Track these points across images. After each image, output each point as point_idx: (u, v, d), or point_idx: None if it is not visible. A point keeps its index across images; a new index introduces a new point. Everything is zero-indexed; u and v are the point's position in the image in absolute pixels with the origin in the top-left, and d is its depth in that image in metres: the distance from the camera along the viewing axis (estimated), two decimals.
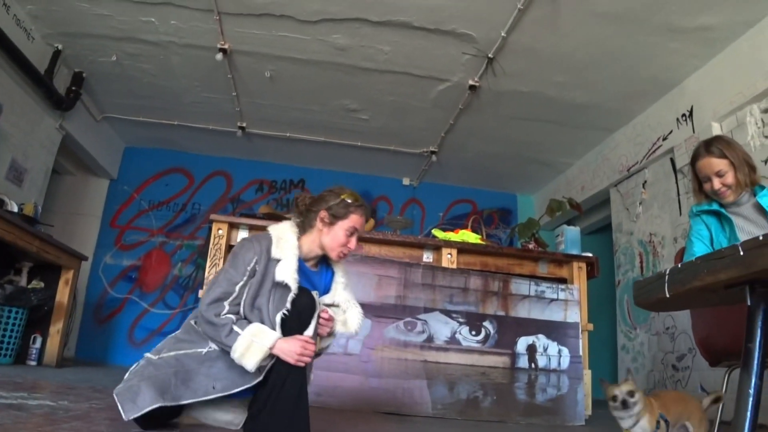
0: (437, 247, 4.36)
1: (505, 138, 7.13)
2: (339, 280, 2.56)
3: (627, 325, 6.31)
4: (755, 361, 1.00)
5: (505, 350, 4.18)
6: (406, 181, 8.57)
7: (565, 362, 4.23)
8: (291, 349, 2.11)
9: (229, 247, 4.09)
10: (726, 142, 2.54)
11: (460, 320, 4.15)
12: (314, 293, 2.28)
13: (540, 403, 4.13)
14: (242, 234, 4.15)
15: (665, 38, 4.98)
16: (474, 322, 4.17)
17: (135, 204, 8.13)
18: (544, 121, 6.60)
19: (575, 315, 4.31)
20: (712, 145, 2.52)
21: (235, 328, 2.09)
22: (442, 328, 4.12)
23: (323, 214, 2.39)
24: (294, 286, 2.19)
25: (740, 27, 4.79)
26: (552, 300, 4.30)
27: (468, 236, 4.48)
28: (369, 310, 4.02)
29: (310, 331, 2.21)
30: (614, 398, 2.02)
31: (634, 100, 6.05)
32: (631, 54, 5.24)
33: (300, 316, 2.20)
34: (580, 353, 4.26)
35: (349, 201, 2.43)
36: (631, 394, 1.99)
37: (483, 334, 4.17)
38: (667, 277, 1.15)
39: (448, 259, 4.29)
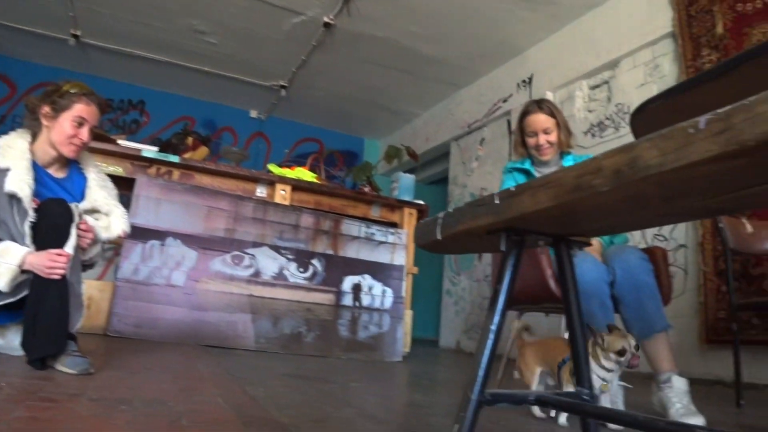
0: (271, 182, 4.31)
1: (356, 81, 7.12)
2: (92, 181, 2.40)
3: (452, 271, 6.71)
4: (500, 302, 1.09)
5: (331, 288, 4.28)
6: (253, 114, 8.30)
7: (389, 302, 4.42)
8: (41, 263, 2.01)
9: None
10: (554, 104, 2.71)
11: (289, 257, 4.17)
12: (72, 205, 2.15)
13: (362, 339, 4.30)
14: None
15: (518, 6, 5.19)
16: (302, 259, 4.21)
17: None
18: (396, 69, 6.66)
19: (401, 258, 4.49)
20: (543, 104, 2.67)
21: None
22: (270, 263, 4.12)
23: (45, 109, 2.22)
24: (24, 194, 2.07)
25: (583, 8, 5.13)
26: (381, 242, 4.44)
27: (304, 174, 4.47)
28: (195, 241, 3.91)
29: (70, 245, 2.10)
30: (621, 352, 1.77)
31: (481, 60, 6.29)
32: (485, 16, 5.41)
33: (56, 229, 2.08)
34: (403, 294, 4.46)
35: (70, 89, 2.25)
36: (637, 348, 1.81)
37: (310, 271, 4.22)
38: (440, 220, 1.21)
39: (282, 195, 4.26)
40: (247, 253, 4.06)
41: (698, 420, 1.87)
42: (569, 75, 5.32)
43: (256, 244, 4.09)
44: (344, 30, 5.88)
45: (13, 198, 2.07)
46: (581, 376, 1.19)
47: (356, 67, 6.73)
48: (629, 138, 3.92)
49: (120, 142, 4.06)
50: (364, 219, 4.55)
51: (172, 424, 1.38)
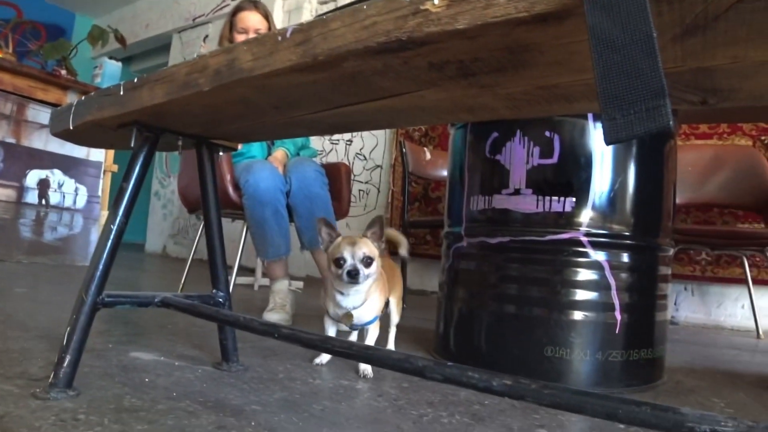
0: None
1: None
2: None
3: (162, 172, 6.39)
4: (124, 201, 1.02)
5: (12, 182, 3.75)
6: None
7: (82, 201, 4.03)
8: None
9: None
10: (268, 9, 2.61)
11: None
12: None
13: (48, 241, 3.88)
14: None
15: None
16: None
17: None
18: None
19: (99, 154, 4.09)
20: (259, 4, 2.56)
21: None
22: None
23: None
24: None
25: None
26: None
27: None
28: None
29: None
30: (339, 263, 1.27)
31: None
32: None
33: None
34: (99, 194, 4.11)
35: None
36: (368, 261, 1.29)
37: None
38: (73, 107, 1.08)
39: None
40: None
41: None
42: None
43: None
44: None
45: None
46: (216, 278, 1.20)
47: None
48: None
49: None
50: (56, 105, 4.01)
51: None
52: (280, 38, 0.68)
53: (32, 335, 1.51)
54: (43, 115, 3.86)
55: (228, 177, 2.12)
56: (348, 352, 0.75)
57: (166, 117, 0.98)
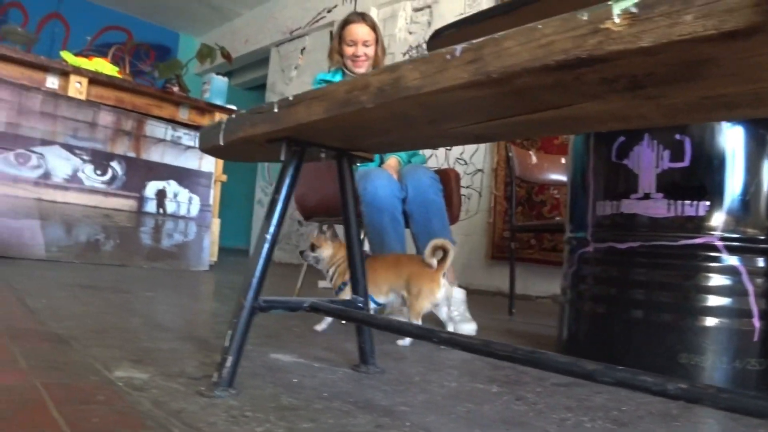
0: (65, 72, 3.84)
1: None
2: None
3: (265, 181, 6.64)
4: (277, 211, 1.08)
5: (133, 193, 4.02)
6: None
7: (195, 210, 4.27)
8: None
9: None
10: (375, 21, 2.70)
11: (85, 158, 3.81)
12: None
13: (165, 248, 4.14)
14: None
15: None
16: (100, 161, 3.88)
17: None
18: None
19: (210, 165, 4.32)
20: (366, 16, 2.65)
21: None
22: (62, 164, 3.74)
23: None
24: None
25: None
26: (188, 147, 4.22)
27: (103, 66, 4.05)
28: None
29: None
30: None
31: None
32: None
33: None
34: (210, 202, 4.33)
35: None
36: (312, 247, 1.98)
37: (109, 174, 3.92)
38: (223, 125, 1.16)
39: (77, 88, 3.84)
40: (35, 152, 3.64)
41: (471, 326, 2.06)
42: None
43: (45, 142, 3.67)
44: None
45: None
46: (357, 284, 1.25)
47: None
48: None
49: None
50: (172, 121, 4.27)
51: None
52: (449, 57, 0.71)
53: (174, 336, 1.63)
54: (158, 130, 4.12)
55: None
56: (512, 356, 0.77)
57: (314, 132, 1.04)
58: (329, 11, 6.05)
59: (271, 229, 1.07)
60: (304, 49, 6.39)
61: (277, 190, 1.09)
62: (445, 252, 1.76)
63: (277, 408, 1.00)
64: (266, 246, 1.07)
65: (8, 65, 3.70)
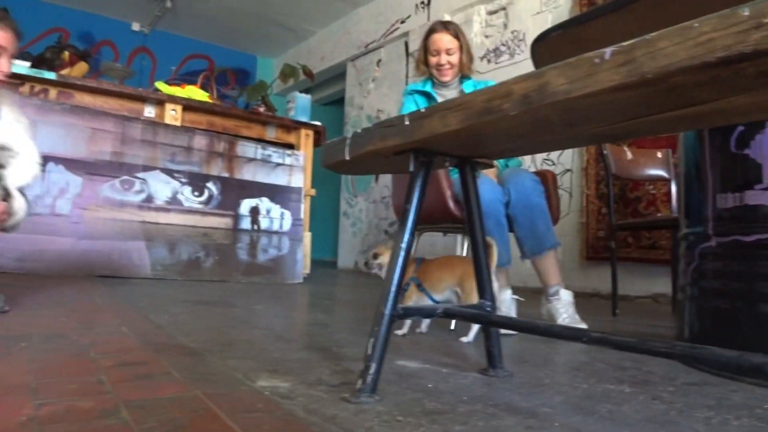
0: (160, 101, 4.07)
1: None
2: (5, 116, 2.17)
3: (349, 193, 6.76)
4: (410, 220, 1.12)
5: (228, 212, 4.20)
6: (135, 27, 7.69)
7: (287, 225, 4.41)
8: None
9: None
10: (460, 28, 2.71)
11: (183, 180, 4.02)
12: None
13: (261, 262, 4.29)
14: None
15: None
16: (197, 182, 4.07)
17: None
18: None
19: (299, 180, 4.46)
20: (449, 25, 2.68)
21: None
22: (162, 187, 3.96)
23: None
24: None
25: None
26: (278, 164, 4.37)
27: (195, 93, 4.26)
28: (80, 166, 3.67)
29: None
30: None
31: None
32: None
33: None
34: (302, 217, 4.46)
35: None
36: (375, 256, 2.10)
37: (206, 195, 4.11)
38: (349, 140, 1.21)
39: (172, 115, 4.05)
40: (138, 178, 3.87)
41: (582, 327, 2.05)
42: None
43: (146, 168, 3.90)
44: None
45: None
46: (483, 289, 1.27)
47: None
48: (525, 64, 4.07)
49: None
50: (260, 140, 4.44)
51: (80, 356, 1.34)
52: (597, 60, 0.72)
53: (298, 347, 1.69)
54: (249, 149, 4.29)
55: (448, 192, 2.22)
56: (669, 352, 0.77)
57: (443, 142, 1.07)
58: (402, 22, 6.12)
59: (406, 238, 1.11)
60: (379, 61, 6.49)
61: (408, 200, 1.13)
62: (489, 248, 1.81)
63: (424, 412, 1.03)
64: (401, 255, 1.10)
65: (110, 98, 3.96)
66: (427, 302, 1.90)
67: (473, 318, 1.18)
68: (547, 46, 1.42)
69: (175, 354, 1.45)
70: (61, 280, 3.21)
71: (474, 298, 1.81)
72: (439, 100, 2.71)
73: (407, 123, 1.04)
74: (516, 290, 2.20)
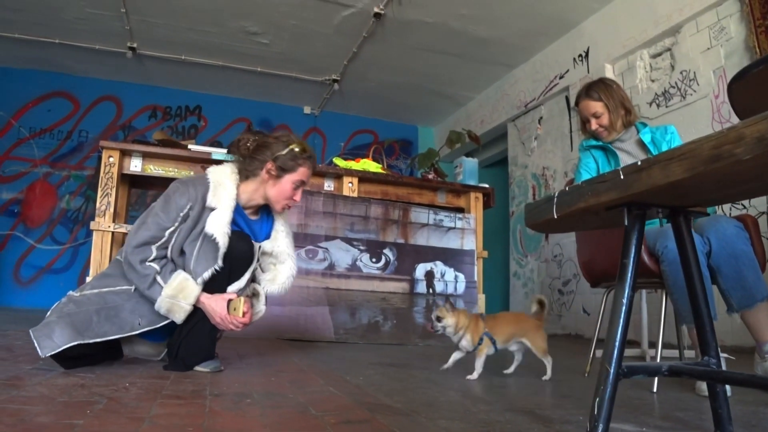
0: (338, 175, 4.36)
1: (407, 69, 7.13)
2: (280, 228, 2.42)
3: (519, 253, 6.66)
4: (629, 275, 1.10)
5: (405, 276, 4.32)
6: (307, 110, 8.42)
7: (461, 287, 4.44)
8: (215, 311, 2.12)
9: (122, 176, 3.90)
10: (605, 85, 2.67)
11: (361, 248, 4.23)
12: (255, 245, 2.25)
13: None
14: (135, 162, 3.95)
15: None
16: (374, 249, 4.26)
17: (13, 131, 7.39)
18: (446, 53, 6.63)
19: (471, 243, 4.50)
20: (591, 89, 2.68)
21: (159, 279, 2.04)
22: (343, 255, 4.19)
23: (270, 165, 2.23)
24: (222, 242, 2.10)
25: None
26: (450, 228, 4.46)
27: (369, 165, 4.51)
28: None
29: (240, 284, 2.19)
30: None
31: (534, 37, 6.19)
32: None
33: (232, 264, 2.16)
34: (475, 279, 4.47)
35: (297, 150, 2.25)
36: (438, 318, 2.36)
37: (383, 261, 4.27)
38: (555, 199, 1.22)
39: (349, 187, 4.32)
40: (321, 247, 4.14)
41: None
42: (628, 45, 5.18)
43: (328, 238, 4.16)
44: (394, 19, 5.89)
45: (206, 237, 2.11)
46: (708, 345, 1.19)
47: (407, 55, 6.74)
48: (698, 105, 3.89)
49: (190, 147, 4.18)
50: (431, 206, 4.57)
51: (303, 414, 1.44)
52: None
53: (501, 408, 1.67)
54: (422, 215, 4.42)
55: (642, 245, 2.12)
56: None
57: (657, 193, 1.04)
58: (561, 77, 6.09)
59: (626, 293, 1.08)
60: (541, 118, 6.47)
61: (625, 255, 1.11)
62: (542, 305, 2.52)
63: None
64: (623, 311, 1.08)
65: None
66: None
67: (701, 375, 1.10)
68: (749, 84, 1.34)
69: (387, 413, 1.50)
70: (257, 342, 3.47)
71: (543, 344, 2.45)
72: (618, 153, 2.65)
73: (622, 177, 1.04)
74: (725, 349, 2.02)
